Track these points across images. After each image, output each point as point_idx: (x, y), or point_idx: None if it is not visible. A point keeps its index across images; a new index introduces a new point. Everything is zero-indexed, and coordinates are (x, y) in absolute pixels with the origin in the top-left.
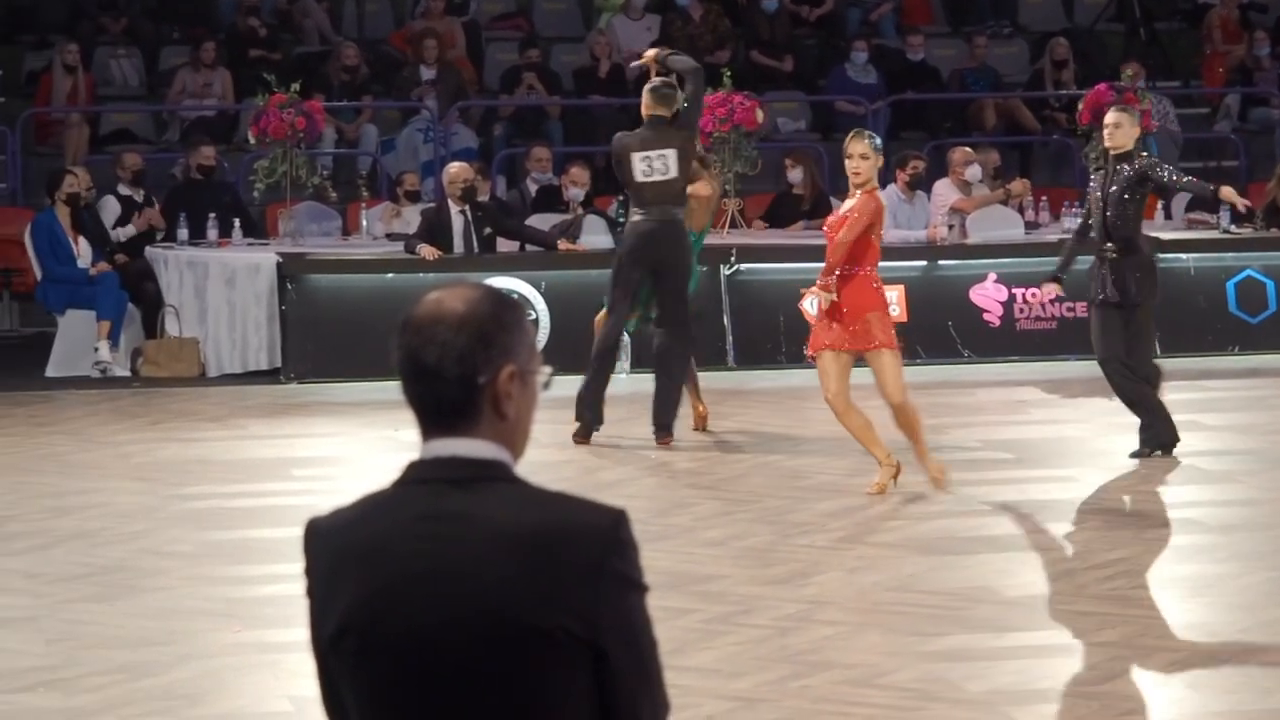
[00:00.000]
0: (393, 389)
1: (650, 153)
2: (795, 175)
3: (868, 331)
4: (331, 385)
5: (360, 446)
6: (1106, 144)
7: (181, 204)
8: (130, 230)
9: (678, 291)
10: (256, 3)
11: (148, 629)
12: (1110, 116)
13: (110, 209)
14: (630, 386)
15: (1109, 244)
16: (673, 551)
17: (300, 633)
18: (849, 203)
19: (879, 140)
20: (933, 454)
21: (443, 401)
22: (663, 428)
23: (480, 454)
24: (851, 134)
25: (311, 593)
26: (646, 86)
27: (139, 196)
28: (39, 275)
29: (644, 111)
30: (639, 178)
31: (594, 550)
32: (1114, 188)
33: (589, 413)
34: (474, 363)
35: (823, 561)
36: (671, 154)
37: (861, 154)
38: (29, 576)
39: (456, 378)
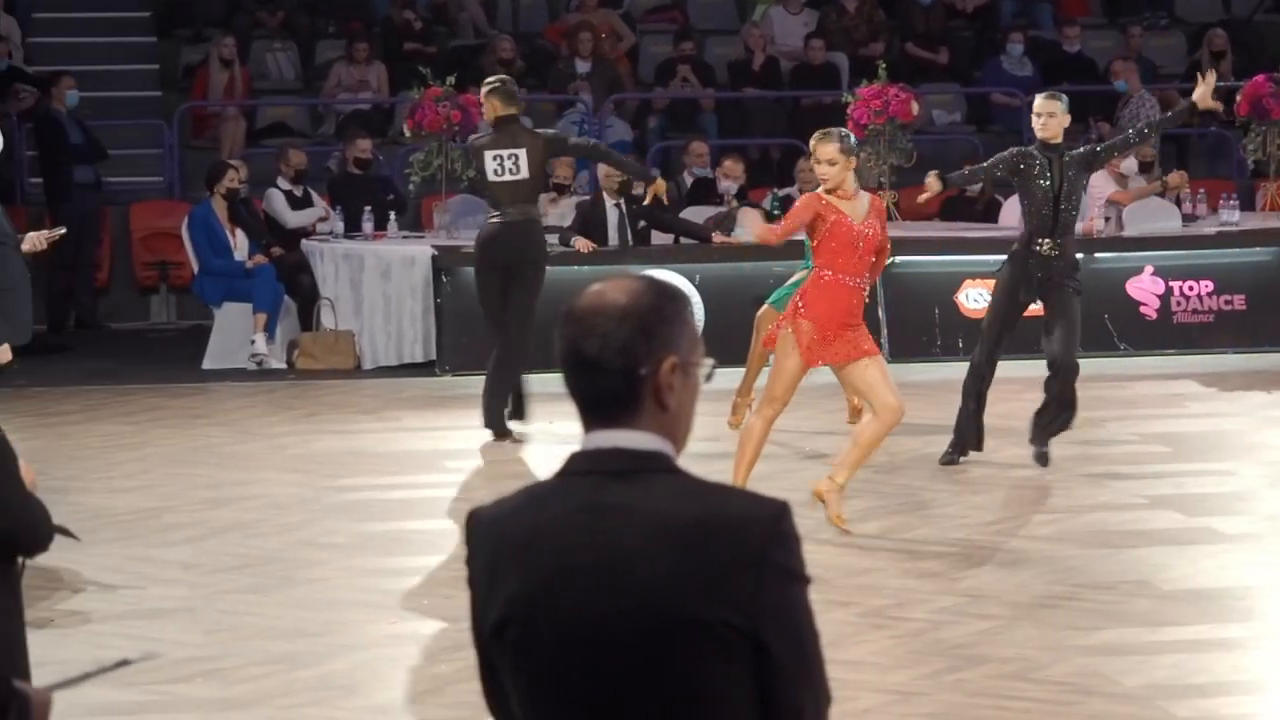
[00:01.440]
0: (547, 381)
1: (501, 151)
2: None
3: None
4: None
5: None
6: (1040, 135)
7: (339, 197)
8: (308, 216)
9: (530, 291)
10: None
11: (304, 620)
12: (1041, 104)
13: (277, 203)
14: None
15: (1047, 240)
16: (828, 544)
17: (454, 623)
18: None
19: (853, 140)
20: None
21: (604, 393)
22: (499, 432)
23: (642, 445)
24: (818, 135)
25: (473, 583)
26: (488, 88)
27: (299, 193)
28: (196, 268)
29: (489, 115)
30: (491, 177)
31: (756, 542)
32: (1066, 183)
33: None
34: (635, 354)
35: (978, 555)
36: (522, 153)
37: (829, 159)
38: (186, 567)
39: (618, 369)
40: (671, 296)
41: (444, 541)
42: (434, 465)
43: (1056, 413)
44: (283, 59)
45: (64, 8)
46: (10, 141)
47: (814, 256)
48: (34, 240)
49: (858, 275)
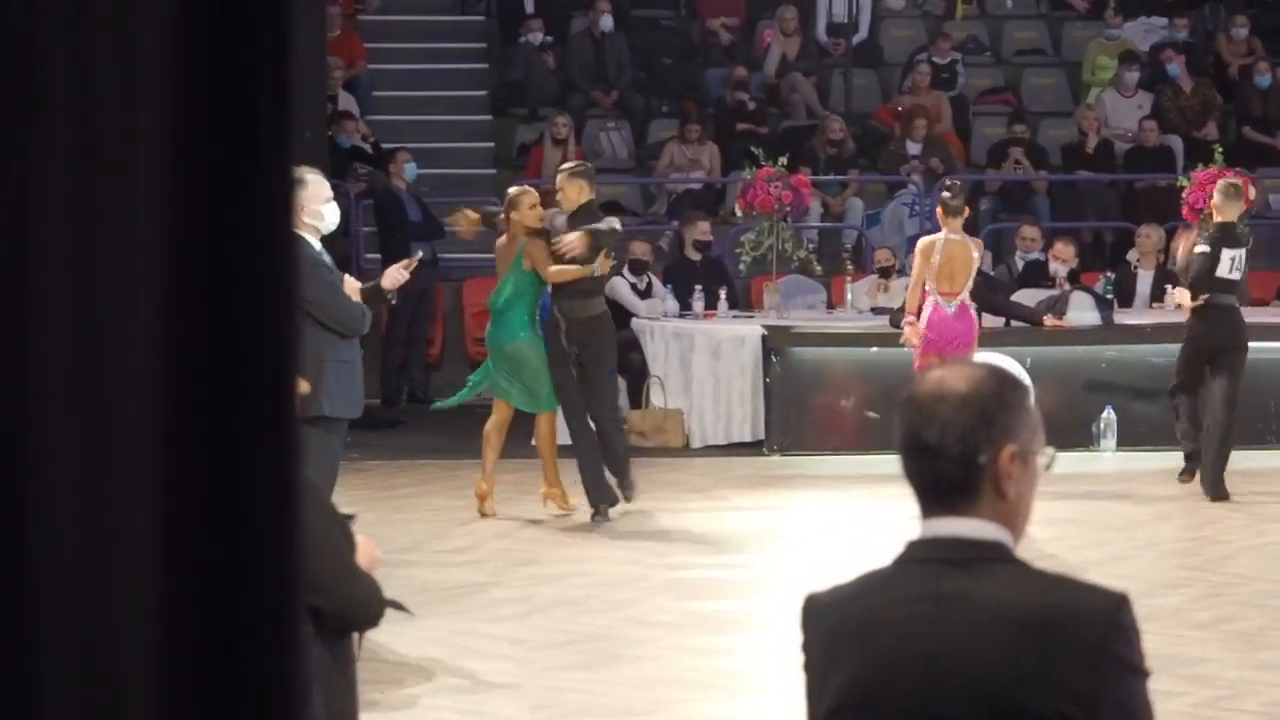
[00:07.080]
0: (876, 463)
1: None
2: None
3: None
4: (814, 458)
5: (842, 520)
6: None
7: (673, 277)
8: (656, 306)
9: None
10: (745, 77)
11: (631, 698)
12: None
13: (623, 292)
14: (1116, 465)
15: None
16: (1160, 633)
17: (782, 703)
18: None
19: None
20: None
21: (943, 480)
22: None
23: (980, 535)
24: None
25: (809, 667)
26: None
27: (643, 285)
28: None
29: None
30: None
31: (1095, 634)
32: None
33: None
34: (975, 442)
35: None
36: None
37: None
38: (513, 643)
39: (957, 456)
40: (1013, 384)
41: (773, 622)
42: (762, 545)
43: None
44: (616, 138)
45: (402, 86)
46: (346, 218)
47: None
48: (394, 275)
49: None
